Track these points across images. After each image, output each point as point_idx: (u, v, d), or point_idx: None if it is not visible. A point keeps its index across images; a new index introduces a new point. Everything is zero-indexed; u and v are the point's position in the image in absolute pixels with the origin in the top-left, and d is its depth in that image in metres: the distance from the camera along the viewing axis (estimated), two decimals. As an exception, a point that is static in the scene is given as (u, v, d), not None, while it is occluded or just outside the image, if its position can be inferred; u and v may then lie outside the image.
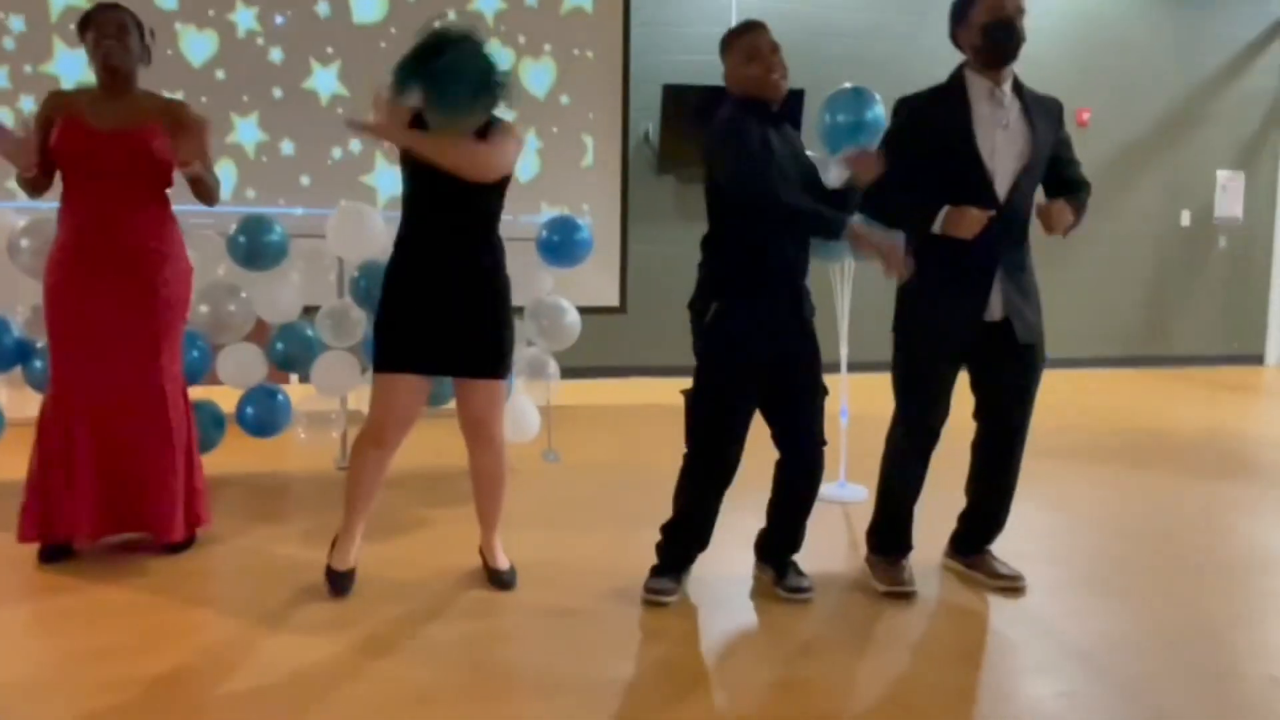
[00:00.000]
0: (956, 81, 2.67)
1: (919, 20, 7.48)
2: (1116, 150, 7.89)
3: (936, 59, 7.43)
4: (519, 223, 5.60)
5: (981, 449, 2.84)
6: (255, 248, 3.72)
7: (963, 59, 2.70)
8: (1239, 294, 8.33)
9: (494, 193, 2.65)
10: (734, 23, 7.97)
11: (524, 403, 4.12)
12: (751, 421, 2.65)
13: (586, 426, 5.30)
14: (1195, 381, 7.59)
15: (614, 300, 5.78)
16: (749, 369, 2.59)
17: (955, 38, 2.71)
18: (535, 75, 5.67)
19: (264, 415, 3.86)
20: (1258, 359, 8.40)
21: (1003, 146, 2.61)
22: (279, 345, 3.86)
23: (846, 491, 3.83)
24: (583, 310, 4.81)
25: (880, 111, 3.68)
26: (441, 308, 2.59)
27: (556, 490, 3.97)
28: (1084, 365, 7.78)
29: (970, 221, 2.50)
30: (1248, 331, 8.38)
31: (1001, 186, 2.61)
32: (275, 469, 4.17)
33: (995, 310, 2.64)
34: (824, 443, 2.72)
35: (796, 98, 7.03)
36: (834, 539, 3.37)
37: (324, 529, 3.12)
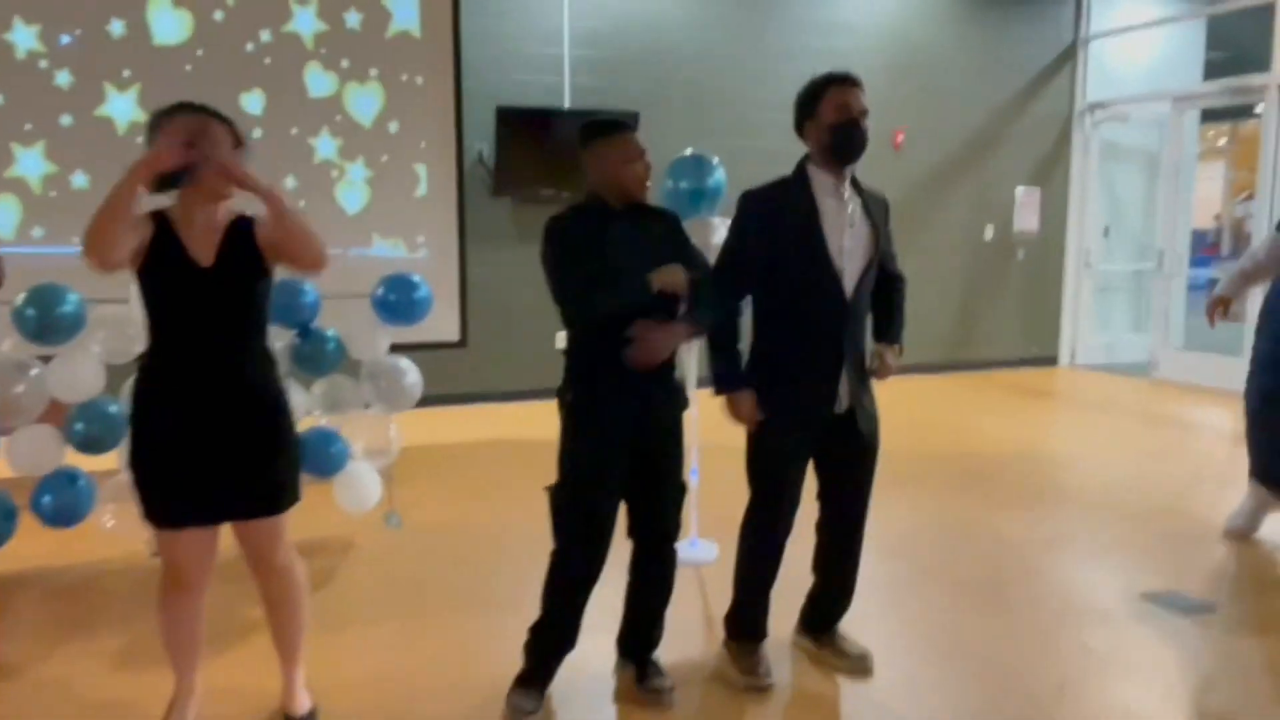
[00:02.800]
0: (800, 175, 2.64)
1: (754, 43, 7.55)
2: (927, 168, 8.25)
3: (769, 82, 7.59)
4: (349, 257, 5.29)
5: (825, 533, 2.86)
6: (47, 322, 3.28)
7: (806, 152, 2.66)
8: (1036, 301, 8.91)
9: (264, 287, 2.29)
10: (567, 43, 7.80)
11: (362, 471, 3.86)
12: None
13: (430, 472, 5.06)
14: (1001, 385, 8.09)
15: (453, 334, 5.53)
16: (610, 459, 2.50)
17: (801, 130, 2.67)
18: (361, 101, 5.31)
19: (64, 503, 3.43)
20: (1052, 360, 9.03)
21: (849, 245, 2.61)
22: (78, 426, 3.43)
23: (698, 550, 3.79)
24: (420, 347, 4.58)
25: (721, 178, 3.60)
26: (202, 445, 2.19)
27: (399, 567, 3.75)
28: (901, 373, 8.12)
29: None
30: (1044, 336, 8.99)
31: (849, 284, 2.62)
32: (79, 561, 3.74)
33: (843, 402, 2.67)
34: (675, 539, 2.69)
35: (632, 121, 6.96)
36: (689, 609, 3.32)
37: (142, 641, 2.80)
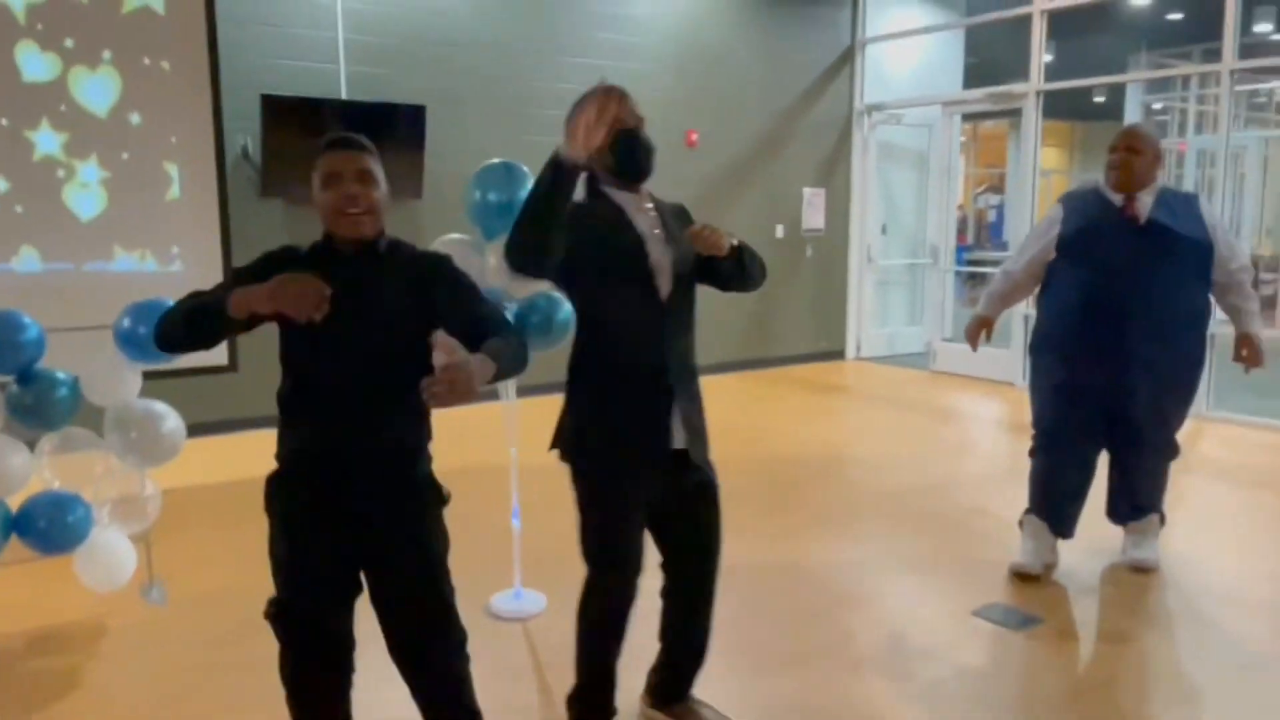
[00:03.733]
0: (604, 197, 2.32)
1: (547, 34, 7.20)
2: (720, 168, 8.22)
3: (564, 75, 7.25)
4: (81, 272, 4.48)
5: (674, 598, 2.55)
6: None
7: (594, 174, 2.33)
8: (824, 297, 9.13)
9: None
10: (340, 25, 7.08)
11: (111, 540, 3.19)
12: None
13: (198, 522, 4.38)
14: (794, 381, 8.21)
15: (221, 358, 4.81)
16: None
17: None
18: (92, 89, 4.49)
19: None
20: (840, 354, 9.30)
21: (662, 261, 2.33)
22: None
23: (525, 602, 3.42)
24: (181, 374, 3.93)
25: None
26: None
27: (165, 656, 3.12)
28: (703, 372, 8.07)
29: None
30: (832, 330, 9.24)
31: (668, 302, 2.35)
32: None
33: (679, 435, 2.37)
34: None
35: (417, 114, 6.41)
36: (519, 673, 2.95)
37: None
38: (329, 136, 2.03)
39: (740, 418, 6.75)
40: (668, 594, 2.54)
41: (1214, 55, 7.00)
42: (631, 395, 2.31)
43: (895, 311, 9.73)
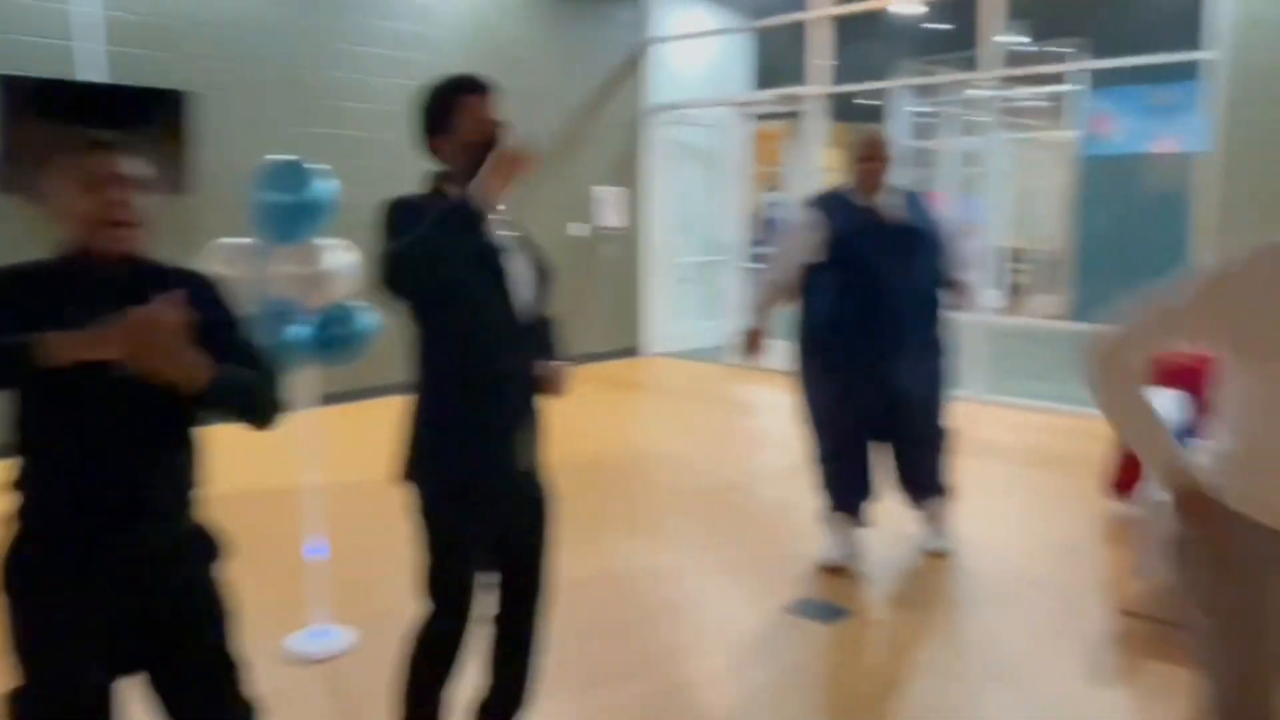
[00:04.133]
0: (440, 196, 2.16)
1: (330, 19, 6.75)
2: (517, 164, 8.03)
3: (347, 65, 6.84)
4: None
5: (504, 623, 2.38)
6: None
7: (440, 170, 2.20)
8: (622, 295, 9.17)
9: None
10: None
11: None
12: None
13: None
14: (597, 379, 8.18)
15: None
16: None
17: (432, 146, 2.21)
18: None
19: None
20: (638, 351, 9.37)
21: (518, 270, 2.21)
22: None
23: (332, 639, 3.14)
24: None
25: (329, 189, 2.94)
26: None
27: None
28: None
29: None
30: (630, 328, 9.30)
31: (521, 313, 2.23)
32: None
33: (528, 453, 2.29)
34: None
35: (183, 100, 5.82)
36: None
37: None
38: (87, 133, 1.71)
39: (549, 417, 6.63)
40: (501, 620, 2.38)
41: (970, 64, 7.53)
42: (491, 412, 2.17)
43: (691, 307, 9.91)
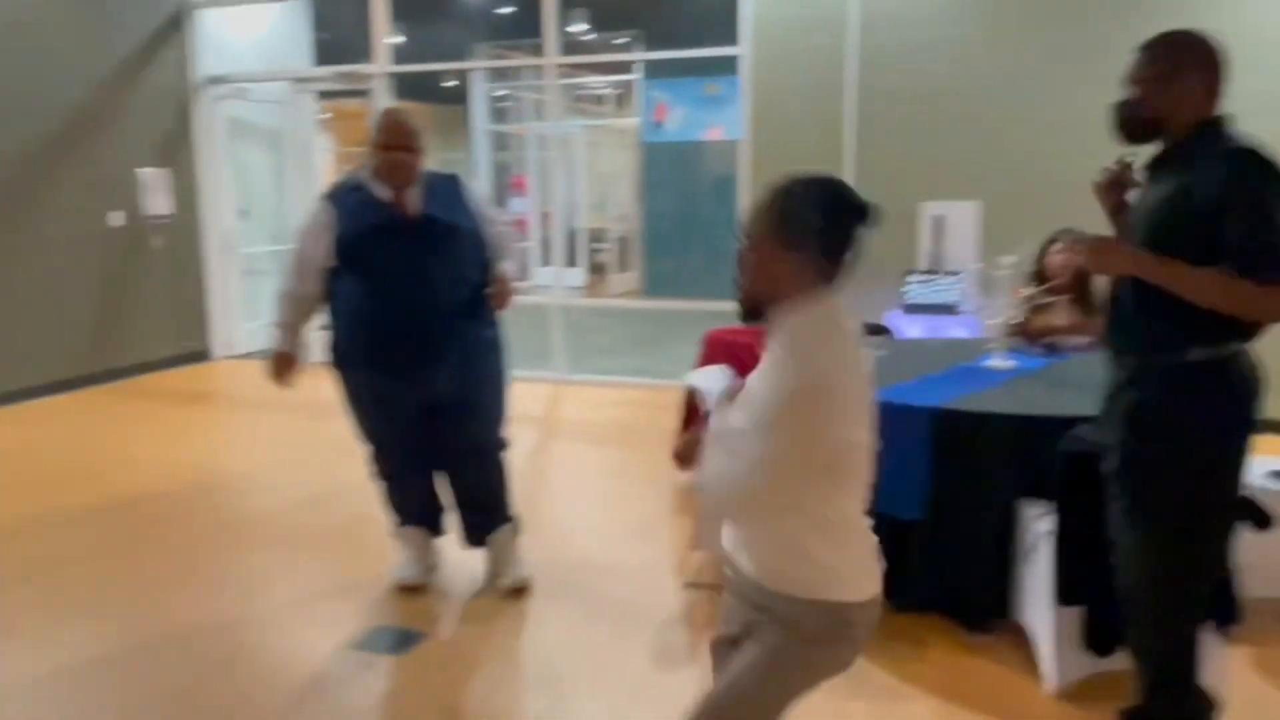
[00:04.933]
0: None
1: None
2: (26, 148, 6.78)
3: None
4: None
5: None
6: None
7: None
8: (180, 292, 8.16)
9: None
10: None
11: None
12: None
13: None
14: (153, 392, 7.22)
15: None
16: None
17: None
18: None
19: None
20: (207, 355, 8.41)
21: None
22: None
23: None
24: None
25: None
26: None
27: None
28: (23, 398, 6.68)
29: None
30: (194, 328, 8.31)
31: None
32: None
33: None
34: None
35: None
36: None
37: None
38: None
39: (82, 452, 5.67)
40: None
41: (539, 50, 7.60)
42: None
43: (266, 302, 9.08)
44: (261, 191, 8.91)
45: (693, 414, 4.30)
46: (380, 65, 7.56)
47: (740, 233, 1.81)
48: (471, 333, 3.41)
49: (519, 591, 3.63)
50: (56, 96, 6.99)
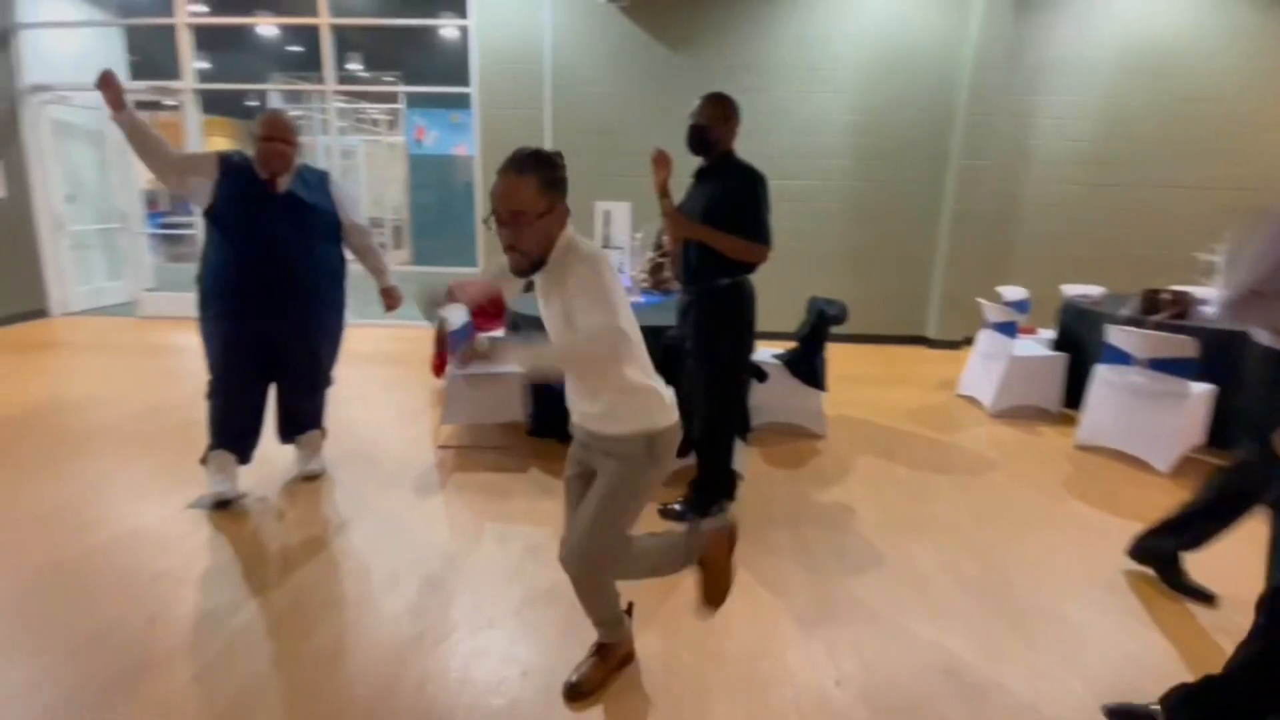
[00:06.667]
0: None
1: None
2: None
3: None
4: None
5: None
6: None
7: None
8: (16, 261, 7.12)
9: None
10: None
11: None
12: None
13: None
14: (-5, 343, 6.30)
15: None
16: None
17: None
18: None
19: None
20: (44, 314, 7.40)
21: None
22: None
23: None
24: None
25: None
26: None
27: None
28: None
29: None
30: (31, 293, 7.28)
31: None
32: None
33: None
34: None
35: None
36: None
37: None
38: None
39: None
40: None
41: (323, 81, 7.33)
42: None
43: (97, 269, 8.11)
44: (89, 180, 7.89)
45: (441, 340, 4.30)
46: (188, 82, 6.96)
47: (498, 221, 1.71)
48: (316, 294, 3.25)
49: (315, 477, 3.53)
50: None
